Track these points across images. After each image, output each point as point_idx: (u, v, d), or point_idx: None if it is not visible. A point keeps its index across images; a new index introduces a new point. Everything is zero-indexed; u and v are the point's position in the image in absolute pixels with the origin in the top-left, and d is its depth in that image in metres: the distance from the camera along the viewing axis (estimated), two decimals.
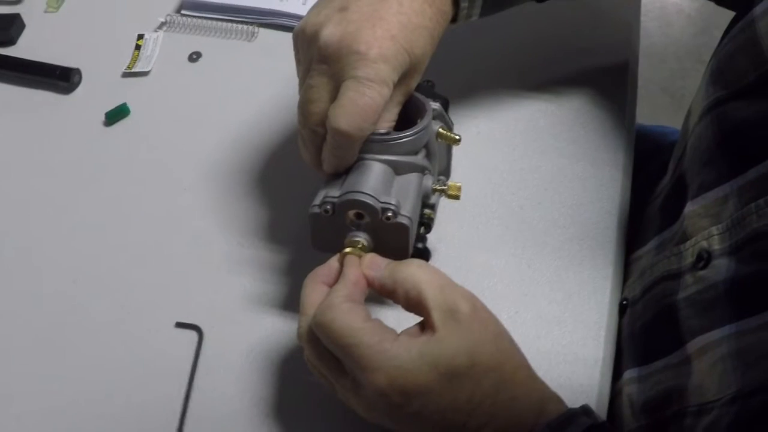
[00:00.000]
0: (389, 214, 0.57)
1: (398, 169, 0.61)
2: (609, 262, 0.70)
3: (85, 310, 0.71)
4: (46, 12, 0.96)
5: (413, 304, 0.54)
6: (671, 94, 2.16)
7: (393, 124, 0.62)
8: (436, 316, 0.52)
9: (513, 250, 0.71)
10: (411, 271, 0.55)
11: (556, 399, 0.55)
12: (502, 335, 0.55)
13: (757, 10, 0.56)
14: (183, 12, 0.93)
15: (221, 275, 0.71)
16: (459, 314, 0.52)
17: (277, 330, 0.68)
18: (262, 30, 0.91)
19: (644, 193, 0.78)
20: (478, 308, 0.54)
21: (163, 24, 0.93)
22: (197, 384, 0.65)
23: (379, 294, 0.57)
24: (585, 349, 0.65)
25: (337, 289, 0.55)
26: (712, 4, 0.76)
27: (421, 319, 0.54)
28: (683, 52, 2.31)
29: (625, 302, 0.68)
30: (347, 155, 0.60)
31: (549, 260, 0.71)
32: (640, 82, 0.86)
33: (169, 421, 0.63)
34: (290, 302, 0.69)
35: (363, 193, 0.57)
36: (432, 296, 0.53)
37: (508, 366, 0.53)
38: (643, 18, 0.92)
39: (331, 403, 0.62)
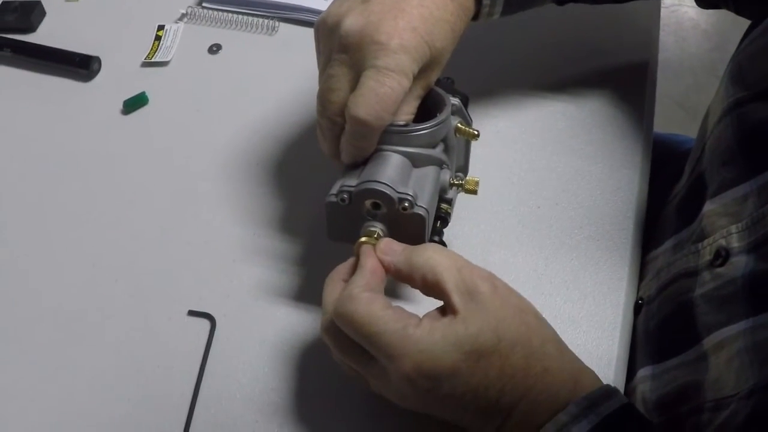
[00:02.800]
0: (406, 204, 0.57)
1: (416, 161, 0.61)
2: (625, 263, 0.70)
3: (99, 295, 0.71)
4: (67, 0, 0.96)
5: (431, 287, 0.54)
6: (687, 109, 2.16)
7: (412, 116, 0.62)
8: (456, 299, 0.52)
9: (530, 249, 0.71)
10: (428, 254, 0.55)
11: (590, 372, 0.55)
12: (526, 310, 0.55)
13: None
14: (204, 4, 0.94)
15: (236, 264, 0.71)
16: (479, 294, 0.52)
17: (290, 320, 0.68)
18: (282, 24, 0.92)
19: (659, 198, 0.78)
20: (498, 286, 0.54)
21: (183, 15, 0.93)
22: (208, 372, 0.65)
23: (396, 279, 0.57)
24: (600, 349, 0.65)
25: (355, 280, 0.54)
26: (729, 19, 0.76)
27: (441, 303, 0.54)
28: (699, 66, 2.31)
29: (640, 301, 0.68)
30: (365, 145, 0.59)
31: (565, 260, 0.70)
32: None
33: (179, 408, 0.63)
34: (304, 293, 0.69)
35: (380, 182, 0.57)
36: (450, 279, 0.53)
37: (535, 339, 0.53)
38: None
39: (343, 395, 0.62)
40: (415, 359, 0.50)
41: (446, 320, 0.51)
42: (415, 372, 0.50)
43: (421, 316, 0.53)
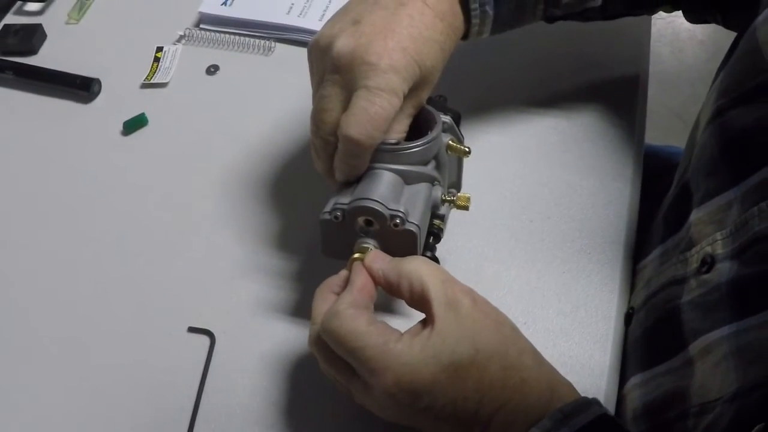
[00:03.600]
0: (397, 221, 0.58)
1: (408, 178, 0.62)
2: (616, 275, 0.71)
3: (100, 313, 0.72)
4: (67, 23, 0.98)
5: (417, 297, 0.55)
6: (684, 120, 2.17)
7: (403, 135, 0.63)
8: (437, 309, 0.53)
9: (522, 263, 0.72)
10: (415, 264, 0.56)
11: (567, 384, 0.56)
12: (503, 323, 0.56)
13: (759, 19, 0.57)
14: (201, 26, 0.95)
15: (234, 281, 0.73)
16: (459, 307, 0.54)
17: (288, 336, 0.69)
18: (278, 45, 0.93)
19: (653, 211, 0.79)
20: (478, 301, 0.55)
21: (182, 37, 0.95)
22: (208, 387, 0.66)
23: (385, 290, 0.58)
24: (592, 360, 0.66)
25: (343, 296, 0.56)
26: (725, 30, 0.77)
27: (423, 317, 0.55)
28: (696, 77, 2.32)
29: (631, 311, 0.69)
30: (358, 163, 0.61)
31: (557, 273, 0.72)
32: (653, 107, 0.86)
33: (180, 424, 0.64)
34: (302, 308, 0.70)
35: (372, 200, 0.58)
36: (434, 289, 0.54)
37: (512, 350, 0.54)
38: (655, 43, 0.93)
39: (342, 409, 0.63)
40: (395, 373, 0.51)
41: (425, 333, 0.53)
42: (395, 386, 0.51)
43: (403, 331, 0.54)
